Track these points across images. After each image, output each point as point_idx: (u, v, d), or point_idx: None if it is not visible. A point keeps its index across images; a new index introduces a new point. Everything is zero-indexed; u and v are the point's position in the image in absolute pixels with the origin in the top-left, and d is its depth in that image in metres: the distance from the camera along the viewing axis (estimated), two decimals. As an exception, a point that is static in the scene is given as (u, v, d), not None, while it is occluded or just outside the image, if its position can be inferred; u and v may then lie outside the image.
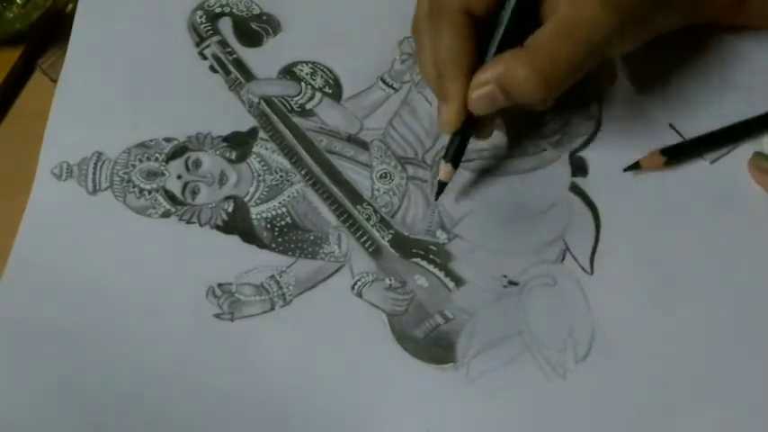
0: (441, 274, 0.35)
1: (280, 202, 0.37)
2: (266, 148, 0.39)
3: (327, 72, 0.41)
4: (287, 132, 0.39)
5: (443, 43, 0.32)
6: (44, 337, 0.34)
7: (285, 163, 0.38)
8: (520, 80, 0.31)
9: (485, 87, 0.32)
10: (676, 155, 0.37)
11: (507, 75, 0.31)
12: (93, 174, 0.38)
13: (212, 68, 0.41)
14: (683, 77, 0.40)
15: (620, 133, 0.39)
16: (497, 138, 0.39)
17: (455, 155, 0.35)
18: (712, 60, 0.40)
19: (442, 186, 0.35)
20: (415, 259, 0.36)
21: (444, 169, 0.35)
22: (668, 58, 0.40)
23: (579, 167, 0.38)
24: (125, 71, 0.40)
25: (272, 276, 0.35)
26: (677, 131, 0.38)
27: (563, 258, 0.36)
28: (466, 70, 0.32)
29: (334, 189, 0.37)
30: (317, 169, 0.38)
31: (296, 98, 0.40)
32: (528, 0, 0.32)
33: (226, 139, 0.39)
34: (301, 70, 0.41)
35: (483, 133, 0.36)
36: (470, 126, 0.34)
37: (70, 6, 0.44)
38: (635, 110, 0.40)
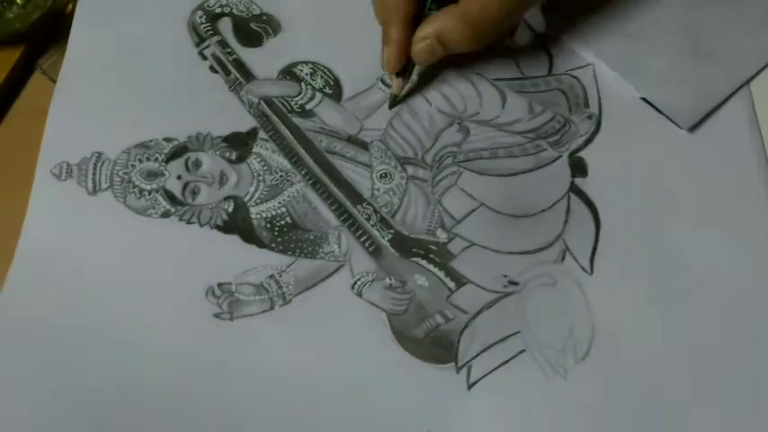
0: (441, 274, 0.35)
1: (279, 202, 0.37)
2: (266, 148, 0.39)
3: (327, 72, 0.41)
4: (287, 132, 0.39)
5: None
6: (45, 337, 0.34)
7: (285, 163, 0.38)
8: (454, 35, 0.36)
9: (425, 41, 0.37)
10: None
11: (443, 30, 0.36)
12: (93, 174, 0.38)
13: (212, 69, 0.41)
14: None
15: (619, 133, 0.39)
16: (497, 138, 0.39)
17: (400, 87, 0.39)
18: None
19: (394, 99, 0.40)
20: (415, 259, 0.36)
21: (396, 82, 0.39)
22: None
23: (579, 167, 0.38)
24: (125, 71, 0.40)
25: (272, 276, 0.35)
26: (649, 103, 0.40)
27: (563, 258, 0.36)
28: (406, 18, 0.37)
29: (334, 189, 0.37)
30: (317, 169, 0.38)
31: (296, 98, 0.40)
32: None
33: (226, 139, 0.39)
34: (301, 70, 0.41)
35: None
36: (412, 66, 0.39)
37: (70, 6, 0.44)
38: (635, 110, 0.40)
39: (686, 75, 0.40)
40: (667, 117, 0.39)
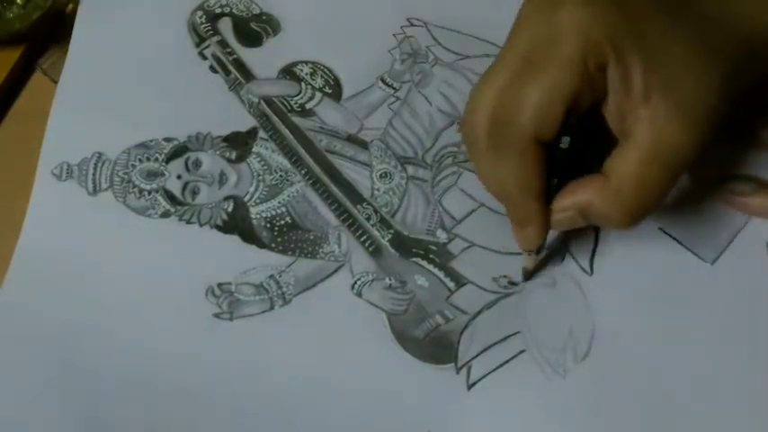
0: (441, 274, 0.35)
1: (279, 202, 0.37)
2: (266, 148, 0.39)
3: (327, 72, 0.41)
4: (287, 132, 0.39)
5: (512, 172, 0.30)
6: (44, 337, 0.34)
7: (285, 163, 0.38)
8: (604, 212, 0.30)
9: (565, 213, 0.31)
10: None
11: (590, 205, 0.30)
12: (94, 174, 0.38)
13: (212, 68, 0.41)
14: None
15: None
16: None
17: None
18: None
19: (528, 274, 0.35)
20: (415, 259, 0.36)
21: (532, 258, 0.34)
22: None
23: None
24: (125, 71, 0.40)
25: (272, 276, 0.35)
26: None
27: (563, 259, 0.36)
28: (540, 196, 0.31)
29: (334, 189, 0.37)
30: (316, 169, 0.38)
31: (296, 98, 0.40)
32: (594, 119, 0.30)
33: (226, 139, 0.39)
34: (301, 70, 0.41)
35: None
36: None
37: (70, 6, 0.44)
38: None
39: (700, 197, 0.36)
40: (688, 249, 0.36)
